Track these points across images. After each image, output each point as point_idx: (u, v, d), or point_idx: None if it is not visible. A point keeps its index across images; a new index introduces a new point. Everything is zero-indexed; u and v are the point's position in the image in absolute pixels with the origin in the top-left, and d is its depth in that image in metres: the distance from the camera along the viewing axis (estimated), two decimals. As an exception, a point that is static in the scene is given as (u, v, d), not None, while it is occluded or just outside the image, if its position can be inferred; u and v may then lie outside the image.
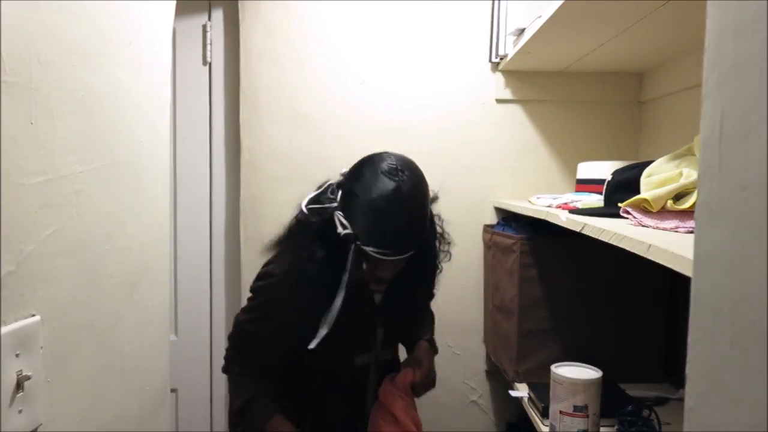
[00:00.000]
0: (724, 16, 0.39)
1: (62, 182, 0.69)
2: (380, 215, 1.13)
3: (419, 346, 1.41)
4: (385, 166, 1.15)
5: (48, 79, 0.65)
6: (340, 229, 1.14)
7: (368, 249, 1.12)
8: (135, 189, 0.91)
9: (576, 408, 1.19)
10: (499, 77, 1.94)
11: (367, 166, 1.18)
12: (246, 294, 1.93)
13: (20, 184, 0.61)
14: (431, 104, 1.95)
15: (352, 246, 1.13)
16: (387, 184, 1.12)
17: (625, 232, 0.84)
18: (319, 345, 1.15)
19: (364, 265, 1.19)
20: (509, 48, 1.81)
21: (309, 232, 1.20)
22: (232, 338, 1.35)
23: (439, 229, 1.31)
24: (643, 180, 1.01)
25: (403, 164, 1.17)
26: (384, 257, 1.13)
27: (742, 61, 0.37)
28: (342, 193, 1.19)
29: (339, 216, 1.15)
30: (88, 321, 0.77)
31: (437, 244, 1.31)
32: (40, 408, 0.65)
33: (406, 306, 1.36)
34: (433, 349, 1.45)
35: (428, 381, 1.35)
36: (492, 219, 1.95)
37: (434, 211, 1.29)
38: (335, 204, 1.19)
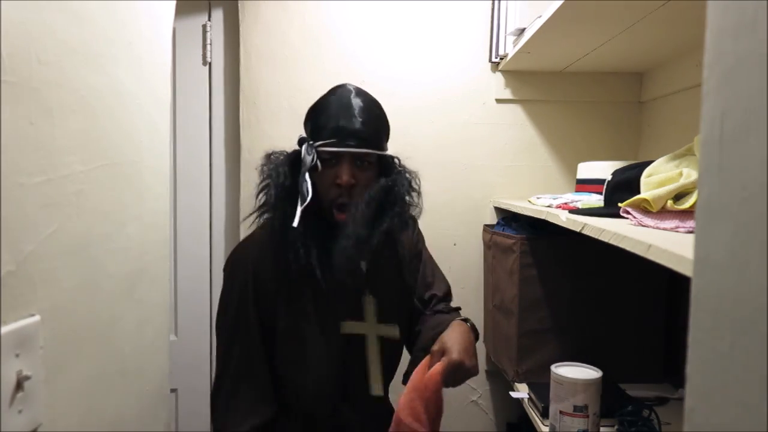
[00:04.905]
0: (724, 16, 0.39)
1: (62, 182, 0.69)
2: (325, 107, 1.18)
3: (451, 326, 1.21)
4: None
5: (48, 79, 0.65)
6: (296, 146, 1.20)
7: (317, 144, 1.14)
8: (135, 189, 0.91)
9: (576, 408, 1.19)
10: (499, 77, 1.94)
11: None
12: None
13: (20, 184, 0.61)
14: (431, 104, 1.95)
15: (304, 147, 1.16)
16: (332, 89, 1.22)
17: (625, 232, 0.84)
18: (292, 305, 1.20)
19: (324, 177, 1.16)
20: (509, 48, 1.81)
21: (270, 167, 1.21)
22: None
23: (414, 185, 1.26)
24: (643, 180, 1.00)
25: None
26: (334, 148, 1.14)
27: (742, 61, 0.37)
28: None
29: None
30: (88, 321, 0.77)
31: (407, 197, 1.24)
32: (40, 408, 0.65)
33: (395, 272, 1.31)
34: (473, 333, 1.26)
35: (458, 371, 1.11)
36: (492, 219, 1.95)
37: (420, 189, 1.26)
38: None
